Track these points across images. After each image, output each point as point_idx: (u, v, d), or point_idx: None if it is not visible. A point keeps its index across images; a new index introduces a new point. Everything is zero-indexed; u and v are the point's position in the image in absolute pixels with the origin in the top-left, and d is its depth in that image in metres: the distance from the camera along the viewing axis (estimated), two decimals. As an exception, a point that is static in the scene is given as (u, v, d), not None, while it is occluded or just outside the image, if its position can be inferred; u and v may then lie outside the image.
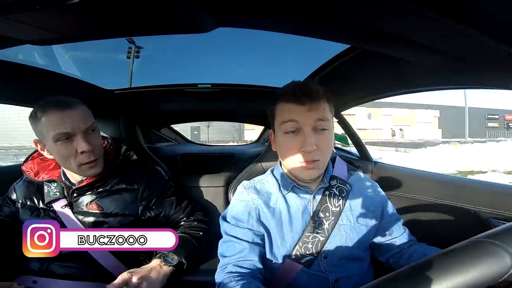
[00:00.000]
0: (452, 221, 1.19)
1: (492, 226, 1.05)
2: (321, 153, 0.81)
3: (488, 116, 39.53)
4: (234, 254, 0.83)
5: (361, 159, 1.69)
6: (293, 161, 0.84)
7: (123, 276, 0.86)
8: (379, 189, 1.00)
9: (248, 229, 0.86)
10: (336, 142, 2.01)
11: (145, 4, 0.55)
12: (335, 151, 1.43)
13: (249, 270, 0.79)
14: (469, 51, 0.65)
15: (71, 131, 0.96)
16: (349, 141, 1.84)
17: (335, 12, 0.56)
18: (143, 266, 0.96)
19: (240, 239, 0.85)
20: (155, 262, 0.99)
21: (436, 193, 1.27)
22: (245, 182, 0.98)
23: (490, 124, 39.31)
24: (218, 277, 0.81)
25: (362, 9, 0.54)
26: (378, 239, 0.94)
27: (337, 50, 1.04)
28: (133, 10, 0.58)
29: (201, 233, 1.16)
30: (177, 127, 2.76)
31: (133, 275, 0.88)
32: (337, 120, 1.71)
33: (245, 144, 2.86)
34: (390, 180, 1.47)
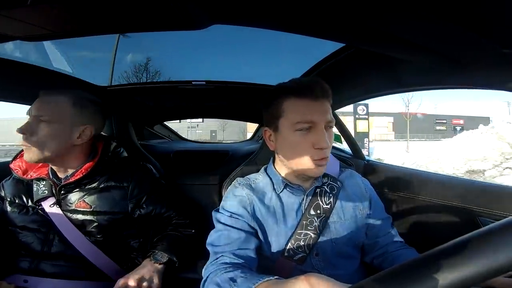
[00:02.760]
0: (441, 219, 1.21)
1: (480, 225, 1.06)
2: (329, 150, 0.82)
3: (437, 121, 47.64)
4: (229, 243, 0.79)
5: (354, 157, 1.71)
6: (304, 159, 0.81)
7: (119, 284, 0.86)
8: (370, 186, 1.00)
9: (243, 221, 0.85)
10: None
11: (139, 0, 0.54)
12: None
13: (244, 262, 0.75)
14: (462, 51, 0.66)
15: (27, 114, 1.03)
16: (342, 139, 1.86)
17: (330, 10, 0.56)
18: (135, 269, 0.96)
19: (235, 228, 0.82)
20: (146, 261, 1.00)
21: (426, 191, 1.29)
22: (239, 179, 0.98)
23: (438, 127, 46.86)
24: (210, 268, 0.74)
25: (358, 8, 0.54)
26: (365, 238, 0.94)
27: (332, 48, 1.04)
28: (126, 6, 0.57)
29: (193, 230, 1.15)
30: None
31: (129, 279, 0.88)
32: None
33: (240, 142, 2.85)
34: (381, 178, 1.49)
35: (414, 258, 0.36)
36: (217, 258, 0.76)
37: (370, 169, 1.60)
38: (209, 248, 0.82)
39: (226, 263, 0.74)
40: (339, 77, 1.20)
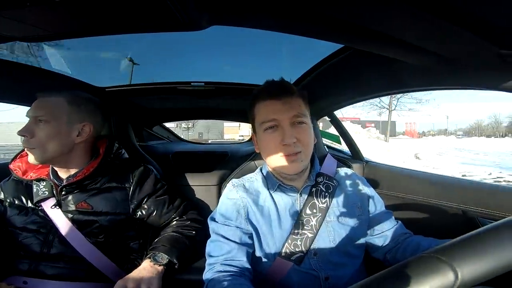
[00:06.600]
0: (441, 220, 1.21)
1: (480, 225, 1.06)
2: (302, 145, 0.83)
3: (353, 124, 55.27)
4: (221, 254, 0.82)
5: (353, 158, 1.71)
6: (276, 157, 0.85)
7: (118, 286, 0.86)
8: (367, 184, 1.01)
9: (237, 227, 0.87)
10: (329, 141, 2.02)
11: (139, 1, 0.55)
12: (327, 149, 1.44)
13: (238, 269, 0.79)
14: (461, 52, 0.66)
15: (27, 116, 1.03)
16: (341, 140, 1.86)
17: (329, 11, 0.56)
18: (135, 270, 0.96)
19: (228, 239, 0.85)
20: (146, 262, 0.99)
21: (426, 192, 1.29)
22: (234, 180, 0.99)
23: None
24: (207, 275, 0.80)
25: (356, 9, 0.54)
26: (370, 235, 0.94)
27: (331, 49, 1.04)
28: (126, 7, 0.57)
29: (193, 232, 1.15)
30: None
31: (128, 281, 0.88)
32: (330, 119, 1.73)
33: (239, 143, 2.84)
34: (381, 179, 1.49)
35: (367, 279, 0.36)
36: (212, 267, 0.81)
37: (369, 169, 1.60)
38: (206, 257, 0.86)
39: (220, 271, 0.78)
40: (338, 79, 1.20)
